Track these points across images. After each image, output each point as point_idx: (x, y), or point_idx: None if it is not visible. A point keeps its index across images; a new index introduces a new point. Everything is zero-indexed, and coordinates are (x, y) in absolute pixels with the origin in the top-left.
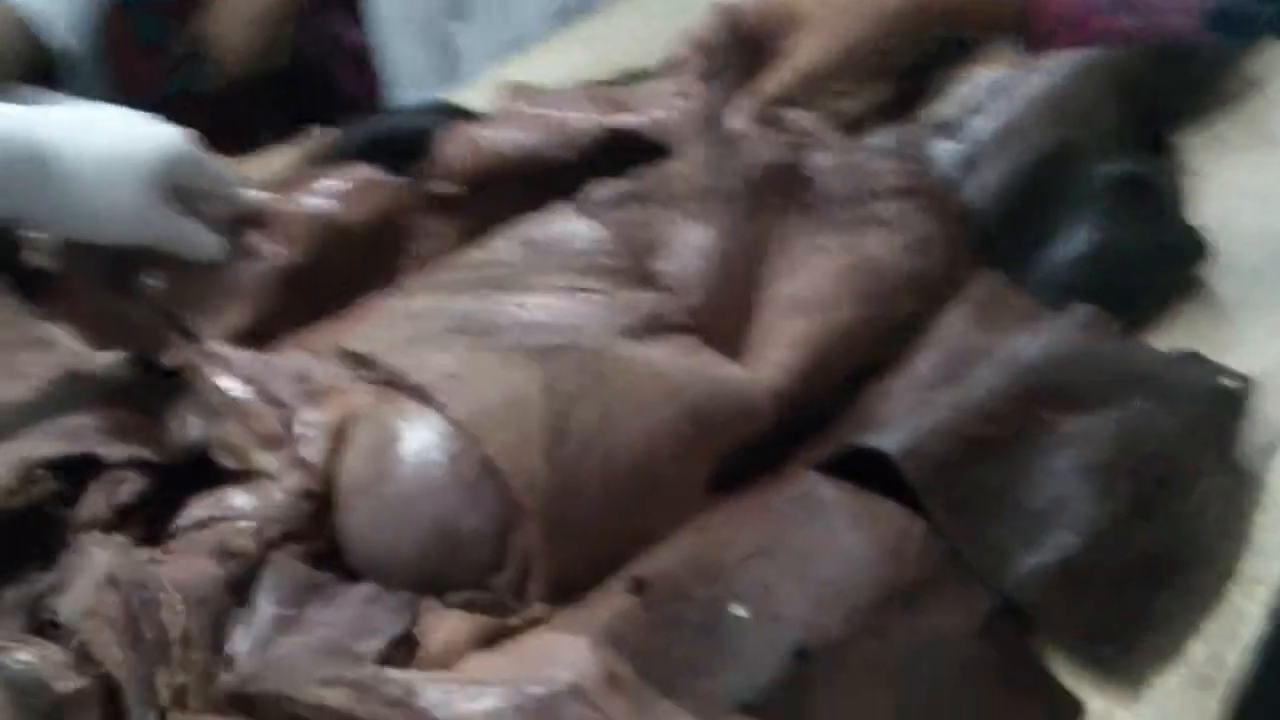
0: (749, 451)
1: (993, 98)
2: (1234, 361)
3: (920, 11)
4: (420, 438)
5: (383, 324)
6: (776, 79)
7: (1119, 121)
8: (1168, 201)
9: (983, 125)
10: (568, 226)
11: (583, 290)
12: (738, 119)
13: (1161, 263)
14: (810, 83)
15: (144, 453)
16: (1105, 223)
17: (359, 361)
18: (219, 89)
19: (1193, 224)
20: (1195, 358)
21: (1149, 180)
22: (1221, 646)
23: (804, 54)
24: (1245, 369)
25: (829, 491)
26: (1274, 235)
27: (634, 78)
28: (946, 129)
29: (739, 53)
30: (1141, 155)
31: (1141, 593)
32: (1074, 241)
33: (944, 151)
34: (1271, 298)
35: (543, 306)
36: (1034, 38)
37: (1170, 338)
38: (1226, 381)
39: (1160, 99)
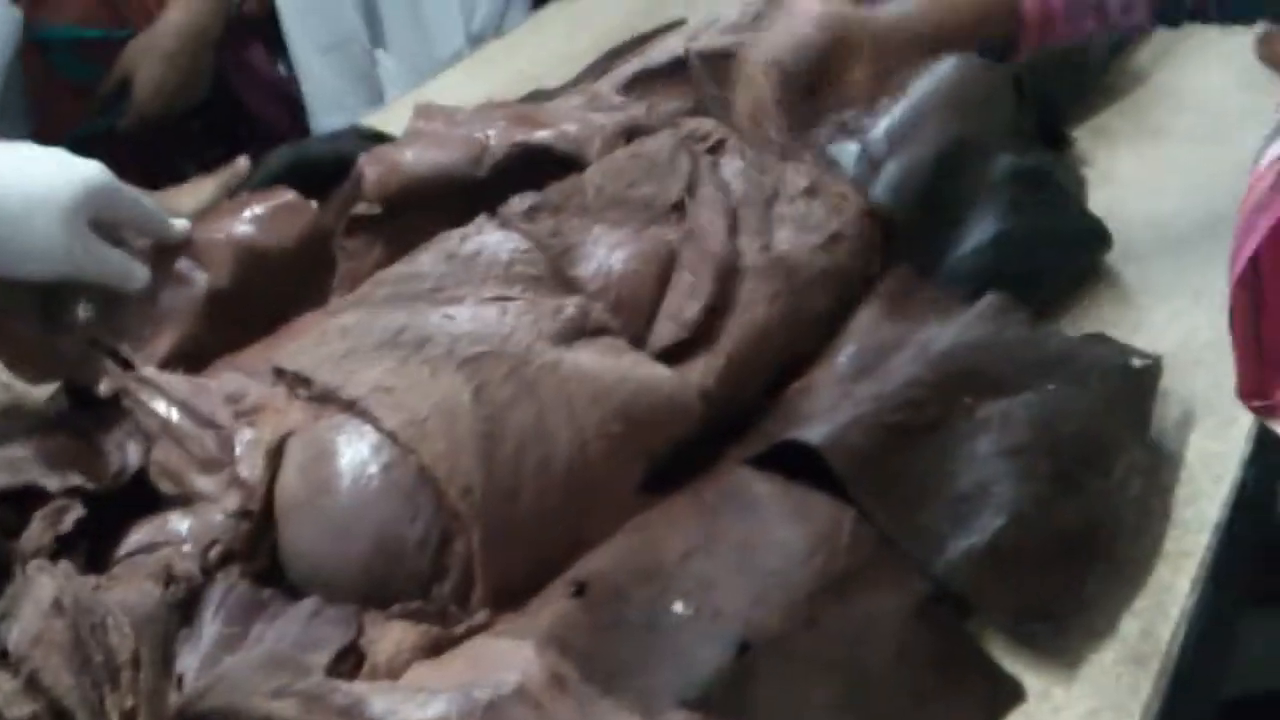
0: (679, 451)
1: (891, 97)
2: (1140, 344)
3: (937, 31)
4: (356, 451)
5: (314, 341)
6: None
7: (1015, 116)
8: (1067, 192)
9: (883, 124)
10: (489, 238)
11: (507, 299)
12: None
13: (1064, 251)
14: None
15: (84, 481)
16: (1008, 214)
17: (293, 379)
18: (138, 125)
19: (1092, 213)
20: (1103, 340)
21: (1048, 172)
22: (1153, 622)
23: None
24: (1151, 349)
25: (760, 486)
26: (1165, 222)
27: (543, 95)
28: (848, 130)
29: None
30: (1038, 148)
31: (1071, 570)
32: (979, 233)
33: (847, 151)
34: (1169, 282)
35: (470, 316)
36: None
37: (1077, 323)
38: (1136, 361)
39: (1052, 94)
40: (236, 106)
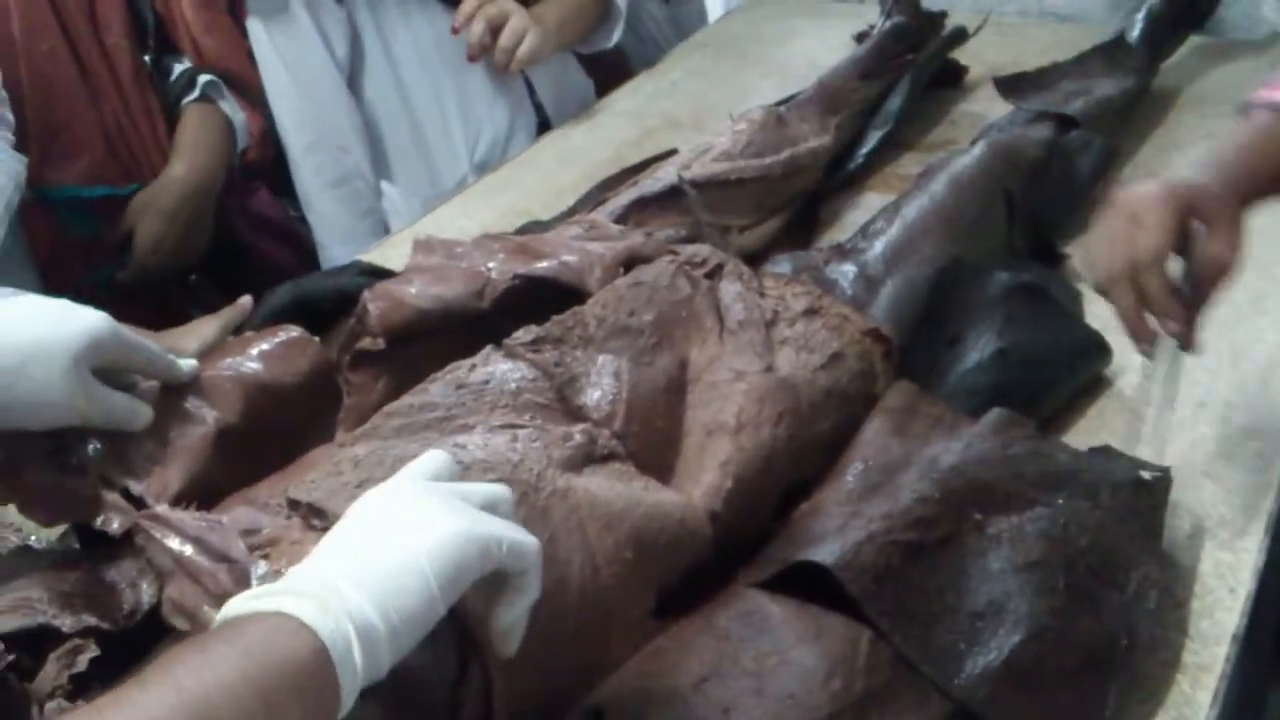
0: (691, 575)
1: (885, 220)
2: (1145, 456)
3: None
4: None
5: (328, 473)
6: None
7: (1008, 234)
8: (1063, 307)
9: (879, 245)
10: (496, 369)
11: (517, 427)
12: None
13: (1065, 365)
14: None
15: (97, 621)
16: (1007, 329)
17: (307, 510)
18: (138, 277)
19: (1090, 327)
20: (1110, 452)
21: (1043, 288)
22: None
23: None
24: (1158, 461)
25: (773, 608)
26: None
27: (538, 226)
28: (844, 252)
29: None
30: (1033, 265)
31: (1091, 685)
32: (979, 349)
33: (844, 273)
34: (1168, 393)
35: (480, 445)
36: None
37: (1081, 436)
38: (1145, 474)
39: (1044, 211)
40: (244, 252)
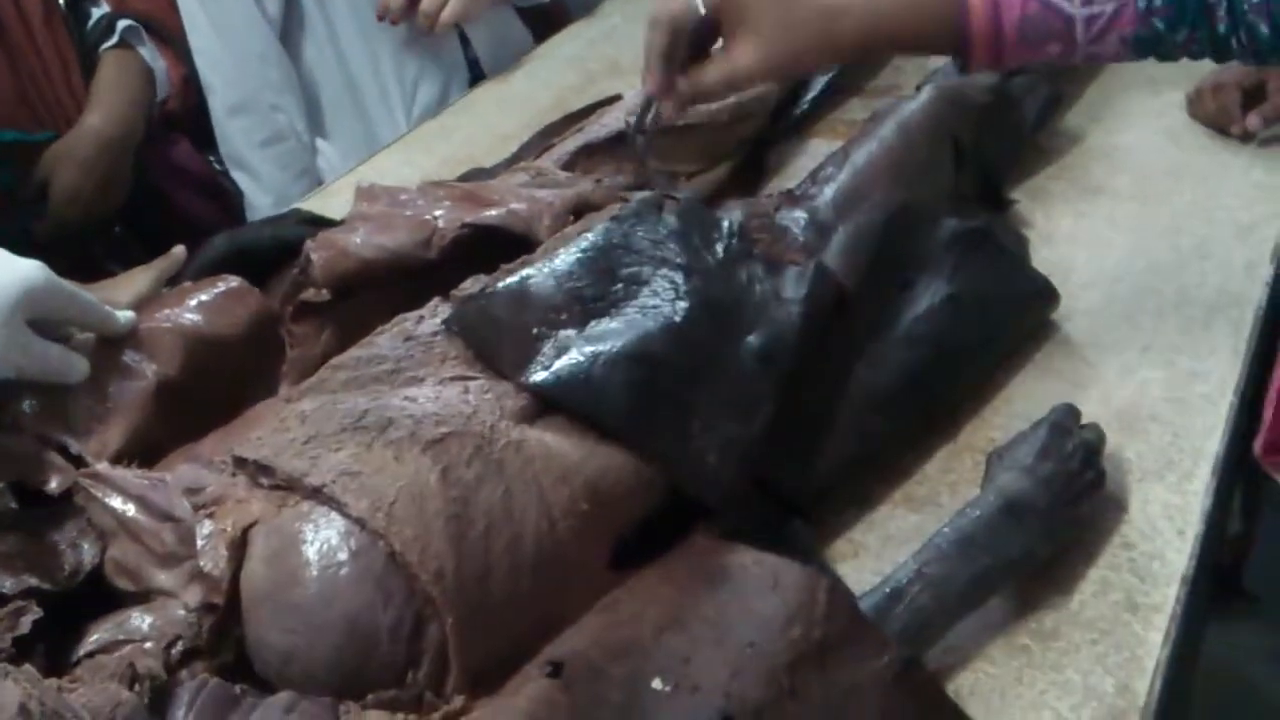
0: (648, 525)
1: (834, 166)
2: (1093, 399)
3: (864, 42)
4: (323, 539)
5: (274, 429)
6: (715, 70)
7: (955, 180)
8: (1011, 252)
9: (828, 192)
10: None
11: (468, 378)
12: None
13: (1014, 309)
14: (743, 83)
15: (39, 582)
16: (956, 275)
17: (254, 468)
18: (55, 230)
19: (1037, 271)
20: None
21: (990, 233)
22: (1129, 677)
23: (744, 57)
24: (1105, 405)
25: (731, 557)
26: (1107, 278)
27: (482, 174)
28: (795, 199)
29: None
30: (980, 211)
31: None
32: (929, 296)
33: (795, 219)
34: (1116, 337)
35: (432, 397)
36: (967, 60)
37: (1029, 379)
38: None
39: (989, 155)
40: (163, 204)
